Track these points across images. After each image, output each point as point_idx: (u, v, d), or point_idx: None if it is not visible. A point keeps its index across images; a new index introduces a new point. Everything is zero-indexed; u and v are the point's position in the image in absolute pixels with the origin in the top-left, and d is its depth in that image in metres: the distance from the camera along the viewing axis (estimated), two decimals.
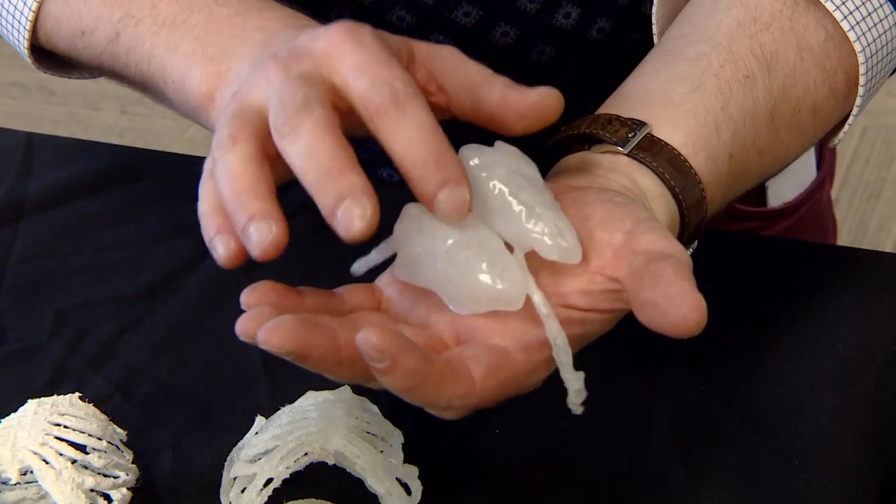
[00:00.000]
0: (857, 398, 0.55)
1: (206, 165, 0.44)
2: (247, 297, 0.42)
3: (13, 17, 0.56)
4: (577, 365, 0.58)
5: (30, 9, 0.55)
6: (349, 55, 0.41)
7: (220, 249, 0.41)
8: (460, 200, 0.39)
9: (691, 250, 0.51)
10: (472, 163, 0.42)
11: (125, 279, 0.63)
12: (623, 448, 0.53)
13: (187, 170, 0.71)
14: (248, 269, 0.63)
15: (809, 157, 0.76)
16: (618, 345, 0.58)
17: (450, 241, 0.41)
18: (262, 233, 0.39)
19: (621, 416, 0.55)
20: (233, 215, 0.40)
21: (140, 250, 0.64)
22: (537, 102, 0.42)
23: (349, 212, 0.38)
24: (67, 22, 0.54)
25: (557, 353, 0.41)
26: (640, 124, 0.48)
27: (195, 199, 0.68)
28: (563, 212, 0.43)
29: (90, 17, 0.53)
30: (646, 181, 0.47)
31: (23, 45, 0.56)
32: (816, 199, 0.78)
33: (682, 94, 0.49)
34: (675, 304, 0.38)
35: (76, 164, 0.70)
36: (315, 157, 0.38)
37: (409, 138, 0.39)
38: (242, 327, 0.40)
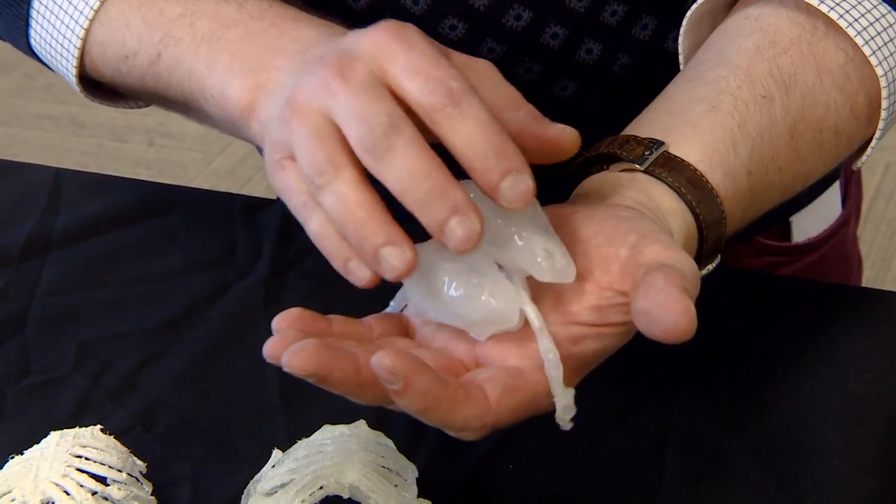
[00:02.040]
0: (869, 438, 0.55)
1: (294, 188, 0.44)
2: (277, 321, 0.44)
3: (62, 45, 0.57)
4: (589, 394, 0.58)
5: (77, 36, 0.56)
6: (400, 56, 0.41)
7: (360, 274, 0.42)
8: (524, 188, 0.40)
9: (713, 265, 0.51)
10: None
11: (148, 313, 0.64)
12: (635, 485, 0.53)
13: (211, 205, 0.73)
14: (267, 303, 0.64)
15: (834, 194, 0.77)
16: (630, 382, 0.58)
17: (445, 278, 0.42)
18: (396, 257, 0.40)
19: (633, 453, 0.55)
20: (359, 242, 0.41)
21: (163, 284, 0.66)
22: (554, 139, 0.43)
23: (460, 226, 0.39)
24: (112, 47, 0.56)
25: (548, 367, 0.42)
26: (658, 143, 0.49)
27: (218, 233, 0.70)
28: (555, 234, 0.43)
29: (133, 41, 0.55)
30: (662, 197, 0.48)
31: (71, 72, 0.57)
32: (841, 236, 0.78)
33: (699, 113, 0.50)
34: (666, 311, 0.39)
35: (102, 199, 0.72)
36: (416, 179, 0.40)
37: (470, 132, 0.40)
38: (269, 350, 0.41)
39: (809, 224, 0.75)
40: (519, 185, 0.40)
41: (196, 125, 0.55)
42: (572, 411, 0.43)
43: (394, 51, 0.41)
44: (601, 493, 0.53)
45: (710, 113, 0.50)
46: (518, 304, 0.43)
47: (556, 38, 0.64)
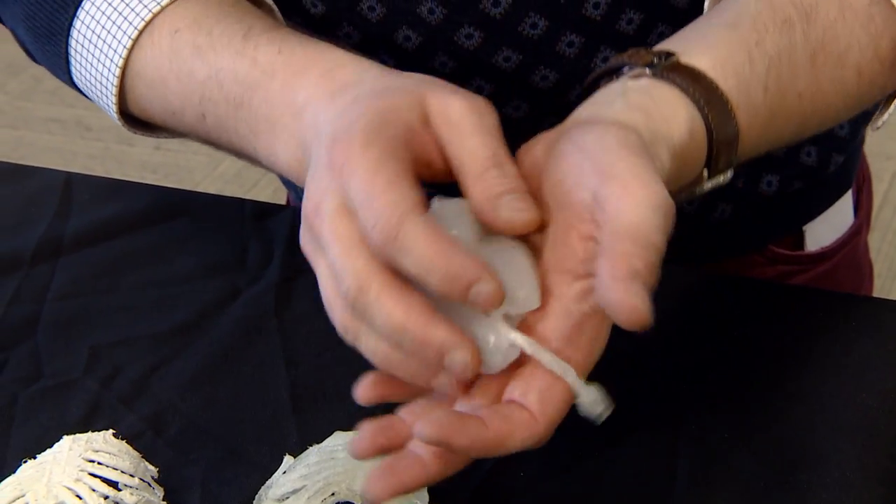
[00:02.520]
0: (880, 448, 0.55)
1: (328, 287, 0.44)
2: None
3: (100, 83, 0.57)
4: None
5: (112, 84, 0.57)
6: (348, 187, 0.42)
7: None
8: (488, 292, 0.40)
9: (725, 178, 0.50)
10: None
11: (159, 317, 0.64)
12: (646, 493, 0.53)
13: (221, 210, 0.73)
14: (279, 310, 0.64)
15: (847, 203, 0.77)
16: (642, 392, 0.58)
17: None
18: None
19: (645, 462, 0.55)
20: (417, 353, 0.41)
21: (174, 289, 0.66)
22: (506, 222, 0.43)
23: (454, 363, 0.41)
24: (157, 102, 0.56)
25: (561, 375, 0.43)
26: (668, 53, 0.48)
27: (229, 238, 0.70)
28: (524, 260, 0.44)
29: (175, 101, 0.55)
30: (668, 100, 0.47)
31: (113, 111, 0.59)
32: (854, 245, 0.78)
33: (714, 31, 0.50)
34: (618, 310, 0.40)
35: (113, 204, 0.72)
36: (397, 333, 0.41)
37: (418, 264, 0.40)
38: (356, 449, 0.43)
39: (823, 233, 0.75)
40: (482, 292, 0.40)
41: None
42: (601, 405, 0.43)
43: (342, 181, 0.42)
44: (611, 498, 0.53)
45: (726, 29, 0.50)
46: (505, 335, 0.43)
47: (573, 47, 0.64)
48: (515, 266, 0.43)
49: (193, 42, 0.54)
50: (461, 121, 0.44)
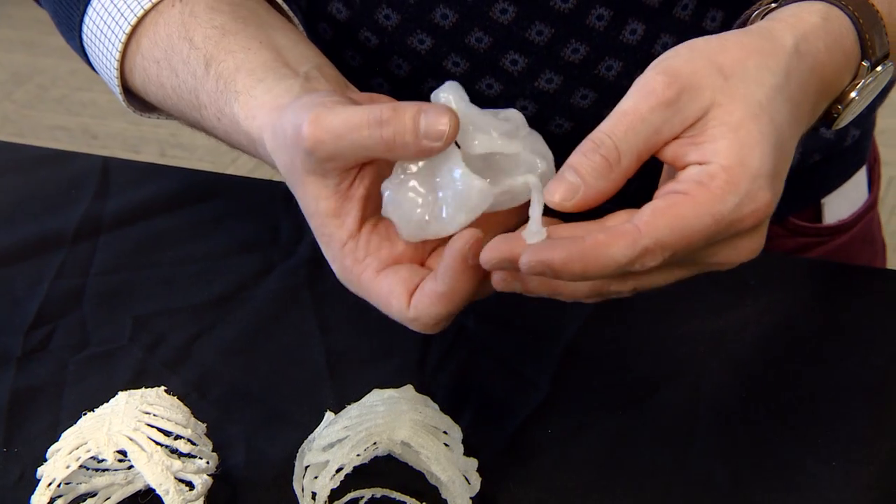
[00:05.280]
0: (890, 405, 0.58)
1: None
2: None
3: (108, 60, 0.61)
4: (625, 366, 0.61)
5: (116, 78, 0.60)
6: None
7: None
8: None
9: (886, 69, 0.51)
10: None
11: (197, 290, 0.67)
12: (669, 450, 0.56)
13: (253, 191, 0.76)
14: (311, 283, 0.67)
15: (861, 178, 0.80)
16: (663, 355, 0.61)
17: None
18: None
19: (666, 420, 0.58)
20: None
21: (211, 264, 0.69)
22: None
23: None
24: (153, 98, 0.60)
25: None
26: None
27: (261, 217, 0.73)
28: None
29: (172, 107, 0.59)
30: (792, 6, 0.48)
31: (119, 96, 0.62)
32: (868, 219, 0.82)
33: None
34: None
35: (150, 186, 0.75)
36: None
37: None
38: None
39: (840, 206, 0.79)
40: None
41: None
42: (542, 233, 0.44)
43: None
44: (635, 458, 0.56)
45: None
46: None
47: (577, 53, 0.67)
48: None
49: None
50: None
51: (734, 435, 0.57)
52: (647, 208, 0.42)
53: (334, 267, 0.48)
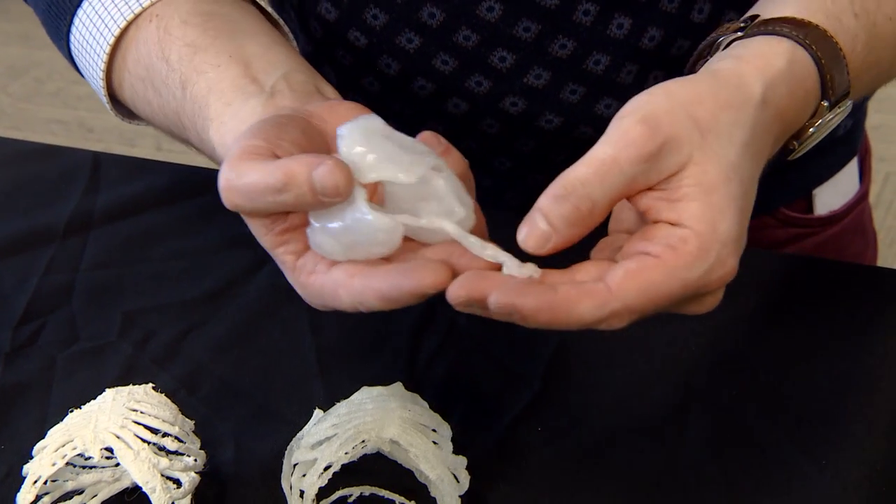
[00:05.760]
0: (882, 404, 0.58)
1: None
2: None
3: (95, 64, 0.61)
4: (616, 363, 0.61)
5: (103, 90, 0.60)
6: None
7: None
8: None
9: (844, 110, 0.51)
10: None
11: (188, 285, 0.66)
12: (659, 448, 0.56)
13: None
14: None
15: (853, 169, 0.80)
16: (655, 352, 0.61)
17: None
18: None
19: (657, 417, 0.58)
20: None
21: (201, 259, 0.68)
22: None
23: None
24: (140, 112, 0.60)
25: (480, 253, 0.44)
26: (752, 16, 0.51)
27: None
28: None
29: (159, 124, 0.59)
30: (766, 47, 0.48)
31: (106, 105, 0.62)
32: (859, 210, 0.82)
33: None
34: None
35: (140, 181, 0.75)
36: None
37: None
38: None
39: (831, 197, 0.79)
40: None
41: None
42: (530, 269, 0.44)
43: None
44: (626, 457, 0.55)
45: None
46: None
47: (565, 48, 0.67)
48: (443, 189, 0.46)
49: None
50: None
51: (726, 433, 0.57)
52: (620, 269, 0.42)
53: (298, 289, 0.48)
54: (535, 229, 0.43)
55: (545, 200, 0.43)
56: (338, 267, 0.46)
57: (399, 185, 0.45)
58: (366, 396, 0.54)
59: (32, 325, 0.64)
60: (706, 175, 0.43)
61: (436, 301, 0.63)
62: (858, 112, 0.78)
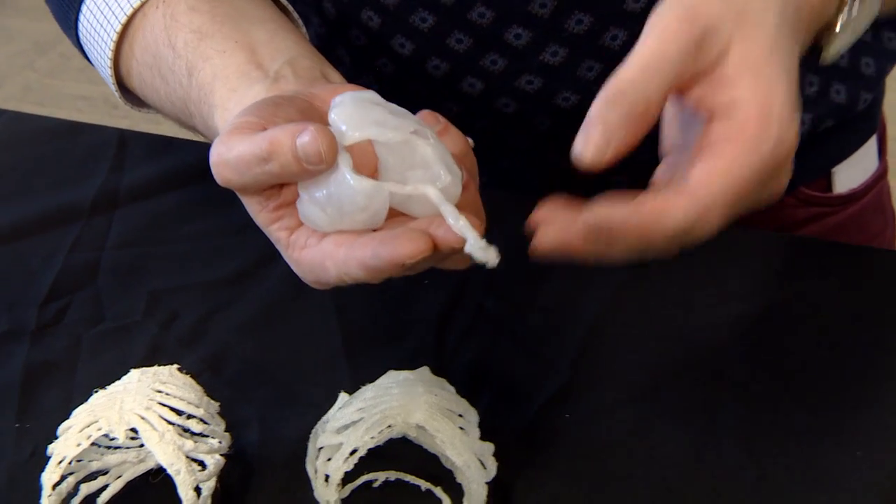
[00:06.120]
0: None
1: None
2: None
3: (103, 57, 0.60)
4: (645, 354, 0.60)
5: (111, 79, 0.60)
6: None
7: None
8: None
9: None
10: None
11: (214, 266, 0.66)
12: (689, 437, 0.55)
13: None
14: None
15: (872, 148, 0.79)
16: (684, 338, 0.60)
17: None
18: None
19: (687, 406, 0.57)
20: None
21: (228, 239, 0.68)
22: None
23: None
24: (149, 100, 0.60)
25: (455, 228, 0.43)
26: None
27: None
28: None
29: (167, 110, 0.59)
30: None
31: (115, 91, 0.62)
32: (879, 189, 0.81)
33: None
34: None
35: (166, 160, 0.74)
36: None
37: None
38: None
39: (850, 176, 0.78)
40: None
41: None
42: (491, 255, 0.43)
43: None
44: (656, 446, 0.55)
45: None
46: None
47: (581, 24, 0.66)
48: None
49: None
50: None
51: (757, 423, 0.56)
52: (695, 168, 0.42)
53: (292, 266, 0.48)
54: (591, 138, 0.42)
55: (598, 106, 0.42)
56: (327, 239, 0.46)
57: (390, 155, 0.45)
58: (392, 381, 0.54)
59: (58, 303, 0.63)
60: (750, 52, 0.43)
61: (464, 283, 0.63)
62: (877, 86, 0.77)
